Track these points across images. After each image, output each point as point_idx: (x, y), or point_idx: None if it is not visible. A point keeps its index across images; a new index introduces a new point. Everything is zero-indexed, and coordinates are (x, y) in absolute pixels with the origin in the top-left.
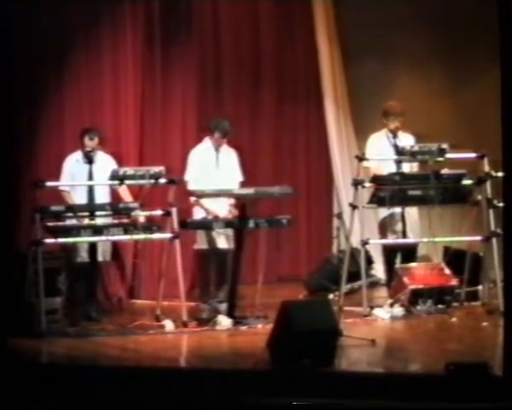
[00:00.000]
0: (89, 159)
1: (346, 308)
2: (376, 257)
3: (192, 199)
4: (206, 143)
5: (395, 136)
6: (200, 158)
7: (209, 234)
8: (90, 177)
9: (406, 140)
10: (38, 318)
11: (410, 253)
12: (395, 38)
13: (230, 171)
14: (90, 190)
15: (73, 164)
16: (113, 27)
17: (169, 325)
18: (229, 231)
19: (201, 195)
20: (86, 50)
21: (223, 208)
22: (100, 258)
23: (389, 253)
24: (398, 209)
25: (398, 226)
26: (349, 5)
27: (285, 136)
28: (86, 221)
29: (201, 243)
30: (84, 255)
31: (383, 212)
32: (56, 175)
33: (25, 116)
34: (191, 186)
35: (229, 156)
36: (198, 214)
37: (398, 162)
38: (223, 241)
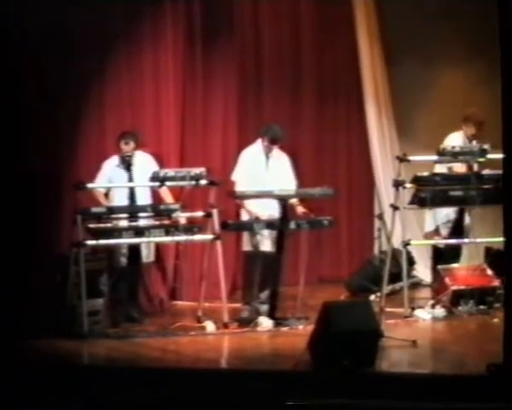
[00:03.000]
0: (127, 164)
1: (388, 309)
2: (418, 258)
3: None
4: (258, 146)
5: (471, 142)
6: (249, 160)
7: (254, 236)
8: (130, 181)
9: None
10: (80, 319)
11: (454, 254)
12: (436, 36)
13: (281, 176)
14: (131, 192)
15: (113, 168)
16: (153, 28)
17: (210, 326)
18: (274, 234)
19: (242, 196)
20: (127, 51)
21: (271, 210)
22: (144, 259)
23: (437, 254)
24: (452, 215)
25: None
26: (390, 5)
27: (326, 137)
28: (127, 223)
29: (247, 245)
30: (123, 260)
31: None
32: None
33: (66, 118)
34: (239, 187)
35: (280, 162)
36: (246, 216)
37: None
38: (268, 244)
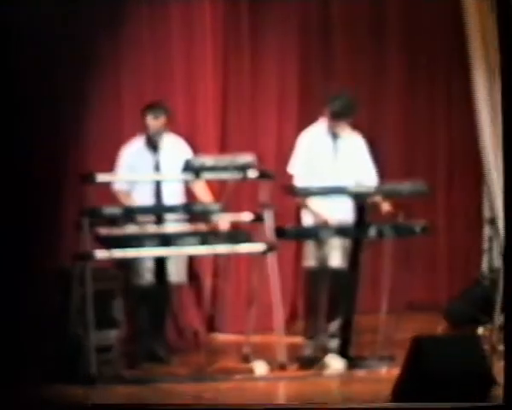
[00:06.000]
0: (153, 145)
1: (502, 347)
2: None
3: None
4: (320, 126)
5: None
6: (311, 145)
7: (320, 247)
8: (157, 169)
9: None
10: (87, 357)
11: None
12: None
13: (355, 165)
14: (157, 186)
15: (133, 154)
16: None
17: (260, 367)
18: (347, 244)
19: (305, 193)
20: (149, 6)
21: (342, 213)
22: (173, 278)
23: None
24: None
25: None
26: None
27: (418, 115)
28: (151, 228)
29: (310, 259)
30: (147, 276)
31: None
32: (111, 168)
33: (68, 93)
34: (298, 182)
35: (353, 146)
36: (309, 219)
37: None
38: (337, 257)
